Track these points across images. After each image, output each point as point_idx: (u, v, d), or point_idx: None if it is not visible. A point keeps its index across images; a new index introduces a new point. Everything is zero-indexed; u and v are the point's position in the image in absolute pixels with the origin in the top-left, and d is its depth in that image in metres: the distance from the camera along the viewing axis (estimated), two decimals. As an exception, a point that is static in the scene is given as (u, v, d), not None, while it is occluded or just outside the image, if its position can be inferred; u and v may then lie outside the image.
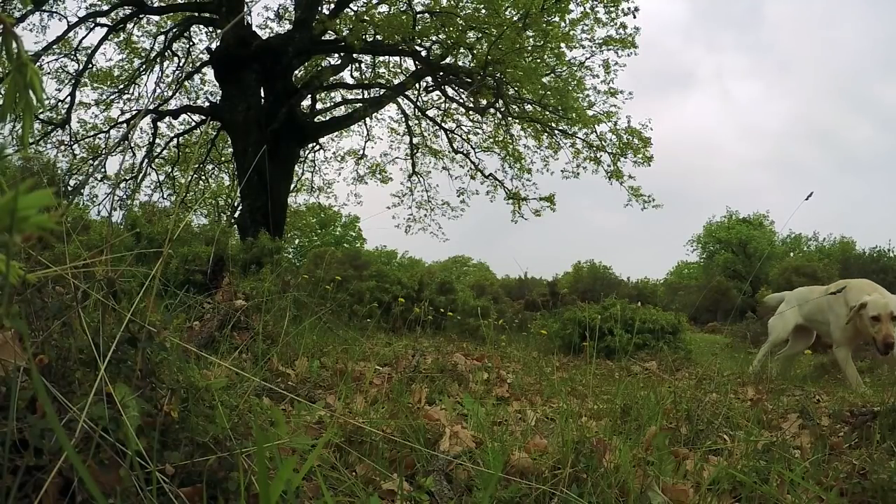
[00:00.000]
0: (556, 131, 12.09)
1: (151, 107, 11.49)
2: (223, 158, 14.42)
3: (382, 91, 11.55)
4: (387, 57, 11.95)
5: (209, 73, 12.42)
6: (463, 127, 13.03)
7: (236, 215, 11.16)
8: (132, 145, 12.67)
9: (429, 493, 1.43)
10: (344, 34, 9.58)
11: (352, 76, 12.46)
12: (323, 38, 10.06)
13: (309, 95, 11.49)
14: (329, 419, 1.79)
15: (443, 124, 13.04)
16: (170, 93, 12.46)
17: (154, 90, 14.04)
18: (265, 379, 2.13)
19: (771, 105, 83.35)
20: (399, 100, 12.16)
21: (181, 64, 12.66)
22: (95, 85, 12.32)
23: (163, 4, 11.50)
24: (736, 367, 5.02)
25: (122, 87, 12.41)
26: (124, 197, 11.76)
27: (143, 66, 12.39)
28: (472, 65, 10.32)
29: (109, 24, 11.60)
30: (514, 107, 11.54)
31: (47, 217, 0.48)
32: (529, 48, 9.82)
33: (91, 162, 12.19)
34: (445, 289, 8.32)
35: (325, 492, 1.06)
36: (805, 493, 1.54)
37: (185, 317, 2.68)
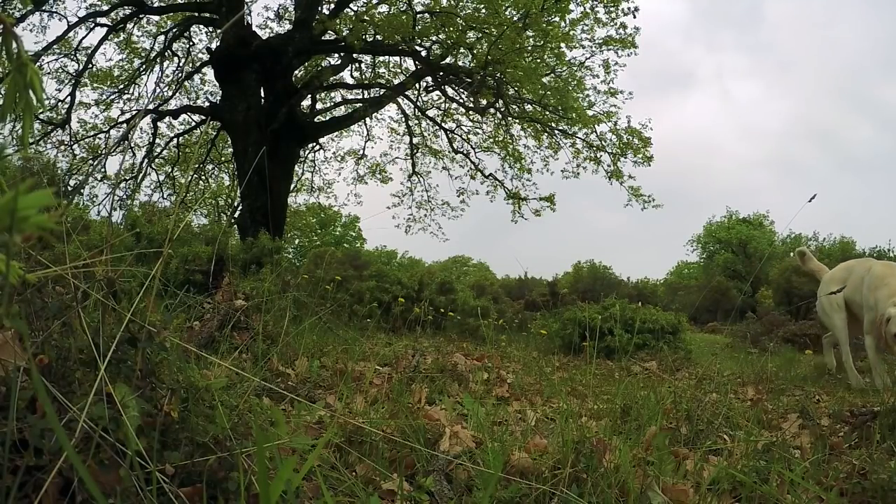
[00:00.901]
0: (556, 131, 12.09)
1: (151, 107, 11.49)
2: (223, 158, 14.42)
3: (382, 91, 11.55)
4: (387, 57, 11.95)
5: (209, 73, 12.43)
6: (463, 127, 13.04)
7: (236, 215, 11.16)
8: (132, 145, 12.68)
9: (429, 493, 1.43)
10: (344, 34, 9.58)
11: (352, 76, 12.47)
12: (323, 38, 10.05)
13: (309, 95, 11.49)
14: (329, 419, 1.79)
15: (443, 124, 13.04)
16: (170, 93, 12.47)
17: (154, 90, 14.04)
18: (265, 379, 2.13)
19: (771, 105, 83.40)
20: (399, 100, 12.16)
21: (181, 64, 12.67)
22: (95, 85, 12.32)
23: (163, 4, 11.50)
24: (736, 367, 5.01)
25: (122, 87, 12.41)
26: (124, 197, 11.76)
27: (143, 66, 12.39)
28: (472, 65, 10.32)
29: (109, 24, 11.60)
30: (514, 107, 11.53)
31: (47, 217, 0.48)
32: (529, 48, 9.82)
33: (91, 162, 12.19)
34: (445, 289, 8.32)
35: (325, 492, 1.06)
36: (805, 493, 1.54)
37: (185, 317, 2.68)
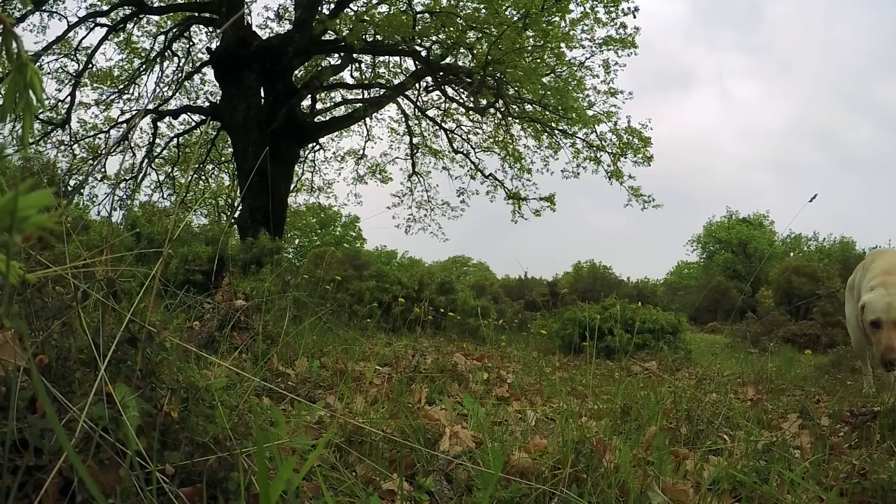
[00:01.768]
0: (556, 131, 12.09)
1: (151, 107, 11.49)
2: (223, 158, 14.43)
3: (382, 91, 11.55)
4: (387, 57, 11.95)
5: (209, 73, 12.43)
6: (463, 127, 13.04)
7: (236, 215, 11.16)
8: (132, 145, 12.68)
9: (429, 493, 1.43)
10: (344, 34, 9.58)
11: (352, 76, 12.47)
12: (323, 38, 10.05)
13: (309, 95, 11.49)
14: (329, 419, 1.79)
15: (443, 124, 13.04)
16: (170, 93, 12.47)
17: (154, 90, 14.04)
18: (265, 379, 2.13)
19: (771, 105, 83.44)
20: (399, 100, 12.16)
21: (181, 64, 12.67)
22: (95, 85, 12.32)
23: (163, 4, 11.50)
24: (736, 367, 5.01)
25: (122, 87, 12.41)
26: (124, 197, 11.77)
27: (143, 66, 12.39)
28: (472, 65, 10.32)
29: (109, 24, 11.60)
30: (514, 107, 11.53)
31: (47, 217, 0.48)
32: (529, 48, 9.82)
33: (91, 162, 12.19)
34: (445, 289, 8.32)
35: (325, 492, 1.06)
36: (805, 493, 1.54)
37: (185, 317, 2.69)
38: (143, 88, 12.58)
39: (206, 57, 11.83)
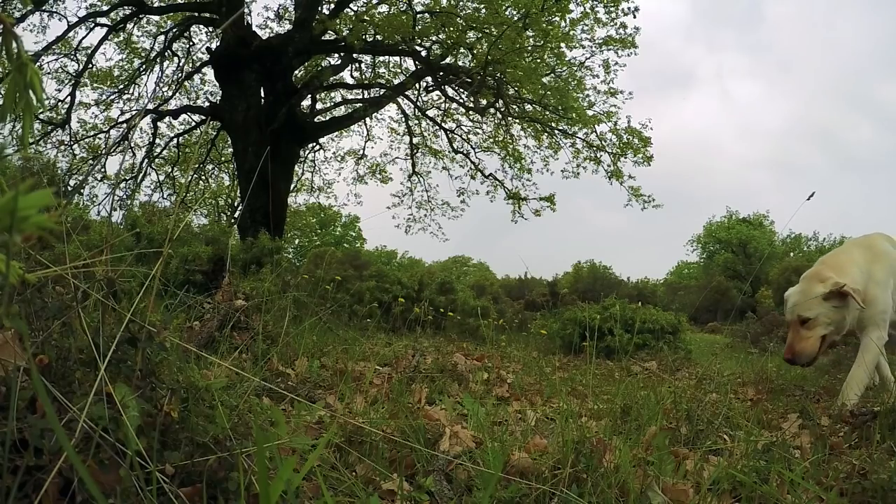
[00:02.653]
0: (556, 131, 12.09)
1: (151, 107, 11.49)
2: (223, 158, 14.43)
3: (382, 91, 11.55)
4: (387, 57, 11.95)
5: (209, 73, 12.44)
6: (463, 127, 13.04)
7: (236, 215, 11.17)
8: (132, 145, 12.69)
9: (429, 493, 1.43)
10: (344, 34, 9.58)
11: (352, 76, 12.48)
12: (323, 38, 10.05)
13: (309, 95, 11.49)
14: (329, 419, 1.79)
15: (443, 124, 13.04)
16: (170, 93, 12.47)
17: (154, 90, 14.04)
18: (265, 379, 2.13)
19: (771, 105, 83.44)
20: (399, 100, 12.16)
21: (181, 64, 12.67)
22: (95, 85, 12.32)
23: (163, 4, 11.50)
24: (736, 367, 5.01)
25: (122, 87, 12.41)
26: (124, 197, 11.78)
27: (143, 66, 12.39)
28: (472, 65, 10.32)
29: (109, 24, 11.60)
30: (514, 107, 11.53)
31: (47, 217, 0.48)
32: (529, 48, 9.82)
33: (91, 162, 12.19)
34: (445, 289, 8.32)
35: (325, 492, 1.06)
36: (805, 493, 1.54)
37: (185, 317, 2.69)
38: (143, 88, 12.59)
39: (206, 57, 11.84)
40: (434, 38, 10.34)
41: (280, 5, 12.29)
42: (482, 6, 9.55)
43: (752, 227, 34.42)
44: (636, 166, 11.96)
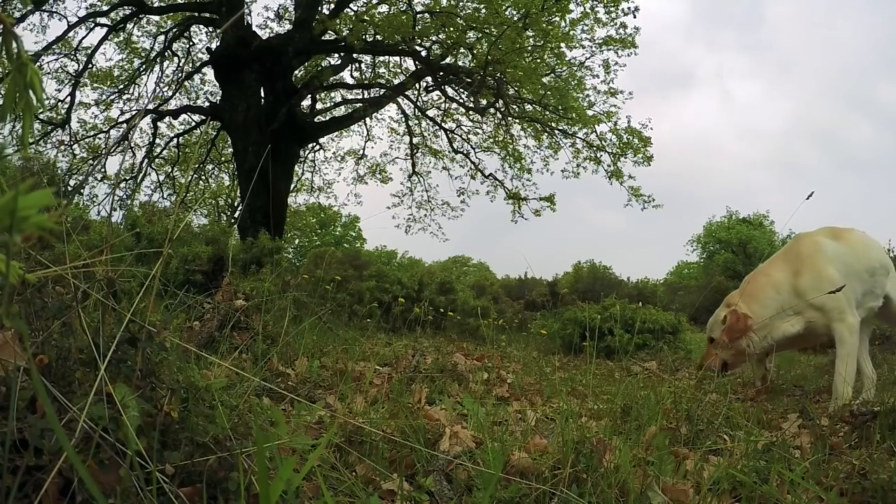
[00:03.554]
0: (556, 131, 12.09)
1: (151, 107, 11.49)
2: (223, 158, 14.44)
3: (382, 91, 11.55)
4: (387, 57, 11.95)
5: (209, 73, 12.44)
6: (463, 127, 13.04)
7: (236, 215, 11.17)
8: (132, 145, 12.69)
9: (429, 493, 1.43)
10: (344, 34, 9.58)
11: (352, 76, 12.48)
12: (323, 38, 10.06)
13: (309, 95, 11.49)
14: (329, 419, 1.79)
15: (443, 124, 13.04)
16: (170, 93, 12.48)
17: (154, 90, 14.04)
18: (265, 379, 2.13)
19: (771, 105, 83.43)
20: (399, 100, 12.16)
21: (181, 64, 12.67)
22: (95, 85, 12.33)
23: (163, 4, 11.50)
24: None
25: (122, 87, 12.42)
26: (124, 197, 11.77)
27: (143, 66, 12.39)
28: (472, 65, 10.32)
29: (109, 24, 11.60)
30: (514, 107, 11.53)
31: (47, 217, 0.48)
32: (529, 48, 9.82)
33: (91, 162, 12.20)
34: (445, 289, 8.32)
35: (325, 492, 1.06)
36: (805, 493, 1.54)
37: (185, 317, 2.69)
38: (143, 88, 12.59)
39: (206, 57, 11.83)
40: (434, 38, 10.34)
41: (280, 5, 12.30)
42: (482, 6, 9.55)
43: (752, 227, 34.41)
44: (636, 166, 11.97)
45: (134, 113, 12.37)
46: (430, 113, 13.08)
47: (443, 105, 12.75)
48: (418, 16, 9.95)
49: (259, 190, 9.41)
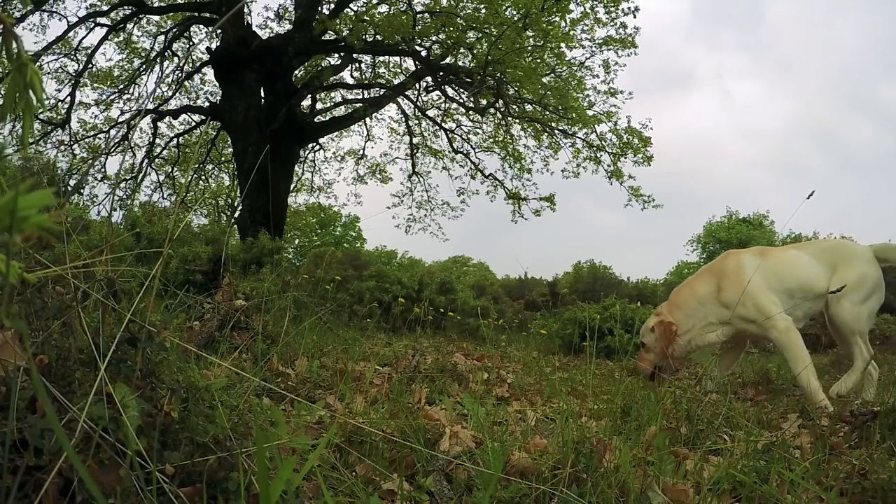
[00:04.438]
0: (556, 131, 12.09)
1: (151, 107, 11.49)
2: (223, 158, 14.43)
3: (382, 91, 11.55)
4: (387, 57, 11.95)
5: (209, 73, 12.44)
6: (463, 127, 13.04)
7: (236, 215, 11.17)
8: (132, 145, 12.68)
9: (429, 493, 1.43)
10: (344, 34, 9.58)
11: (352, 76, 12.48)
12: (323, 38, 10.05)
13: (309, 95, 11.49)
14: (329, 419, 1.79)
15: (443, 124, 13.04)
16: (170, 93, 12.47)
17: (154, 90, 14.04)
18: (265, 379, 2.13)
19: (771, 105, 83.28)
20: (399, 100, 12.16)
21: (181, 64, 12.67)
22: (95, 85, 12.33)
23: (163, 4, 11.50)
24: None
25: (122, 87, 12.41)
26: (124, 197, 11.77)
27: (143, 66, 12.39)
28: (472, 65, 10.32)
29: (109, 24, 11.60)
30: (514, 107, 11.53)
31: (47, 217, 0.48)
32: (529, 48, 9.82)
33: (91, 162, 12.20)
34: (445, 289, 8.32)
35: (325, 492, 1.06)
36: (805, 493, 1.54)
37: (185, 317, 2.69)
38: (143, 88, 12.59)
39: (206, 57, 11.83)
40: (434, 38, 10.34)
41: (280, 5, 12.30)
42: (482, 6, 9.55)
43: (752, 227, 34.42)
44: (636, 166, 11.97)
45: (134, 113, 12.37)
46: (430, 113, 13.09)
47: (443, 105, 12.76)
48: (418, 16, 9.95)
49: (259, 190, 9.41)
